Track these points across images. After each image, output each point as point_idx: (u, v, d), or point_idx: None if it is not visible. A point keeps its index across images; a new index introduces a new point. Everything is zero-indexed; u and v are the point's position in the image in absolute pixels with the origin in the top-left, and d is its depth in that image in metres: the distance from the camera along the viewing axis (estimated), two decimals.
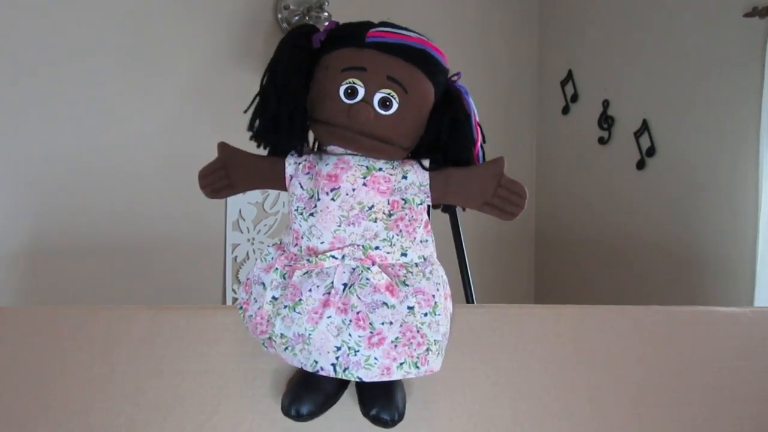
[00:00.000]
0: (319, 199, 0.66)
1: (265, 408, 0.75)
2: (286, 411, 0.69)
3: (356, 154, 0.67)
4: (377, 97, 0.64)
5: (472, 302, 1.25)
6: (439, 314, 0.67)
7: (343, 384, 0.72)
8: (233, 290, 1.88)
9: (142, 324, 0.76)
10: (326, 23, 0.69)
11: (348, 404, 0.72)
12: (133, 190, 1.70)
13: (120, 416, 0.73)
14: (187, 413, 0.74)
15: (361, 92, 0.64)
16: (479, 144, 0.70)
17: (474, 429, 0.77)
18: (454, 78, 0.70)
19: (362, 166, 0.66)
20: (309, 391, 0.69)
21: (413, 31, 0.67)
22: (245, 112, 0.70)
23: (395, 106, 0.64)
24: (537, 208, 2.42)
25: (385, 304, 0.65)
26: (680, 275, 1.90)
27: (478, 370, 0.78)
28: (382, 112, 0.64)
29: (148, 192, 1.72)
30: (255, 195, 1.89)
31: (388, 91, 0.64)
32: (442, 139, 0.68)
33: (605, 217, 2.16)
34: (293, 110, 0.66)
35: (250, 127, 0.68)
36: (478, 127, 0.70)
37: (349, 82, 0.64)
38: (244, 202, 1.89)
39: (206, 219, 1.84)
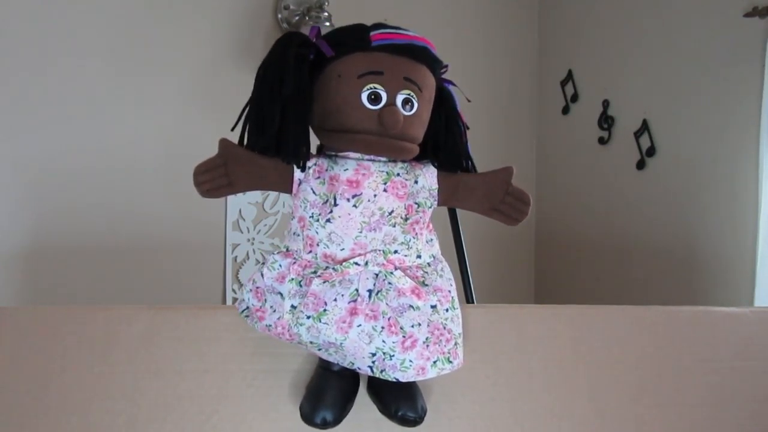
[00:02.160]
0: (336, 205, 0.65)
1: (265, 408, 0.75)
2: (310, 419, 0.67)
3: (375, 160, 0.66)
4: (399, 98, 0.64)
5: (472, 302, 1.25)
6: (456, 308, 0.68)
7: (356, 383, 0.72)
8: (233, 290, 1.88)
9: (142, 324, 0.76)
10: (310, 29, 0.67)
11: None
12: (133, 190, 1.70)
13: (120, 416, 0.73)
14: (187, 413, 0.74)
15: (384, 96, 0.63)
16: (465, 134, 0.72)
17: (474, 429, 0.77)
18: (443, 71, 0.71)
19: (382, 172, 0.66)
20: (330, 396, 0.68)
21: (408, 30, 0.67)
22: (233, 129, 0.67)
23: (416, 105, 0.65)
24: (537, 208, 2.41)
25: (411, 306, 0.65)
26: (680, 275, 1.89)
27: (478, 370, 0.78)
28: (406, 113, 0.64)
29: (149, 192, 1.72)
30: (255, 195, 1.89)
31: (408, 92, 0.64)
32: (440, 132, 0.70)
33: (605, 217, 2.16)
34: (301, 125, 0.64)
35: (241, 141, 0.66)
36: (462, 117, 0.72)
37: (371, 87, 0.63)
38: (244, 202, 1.89)
39: (206, 219, 1.83)
